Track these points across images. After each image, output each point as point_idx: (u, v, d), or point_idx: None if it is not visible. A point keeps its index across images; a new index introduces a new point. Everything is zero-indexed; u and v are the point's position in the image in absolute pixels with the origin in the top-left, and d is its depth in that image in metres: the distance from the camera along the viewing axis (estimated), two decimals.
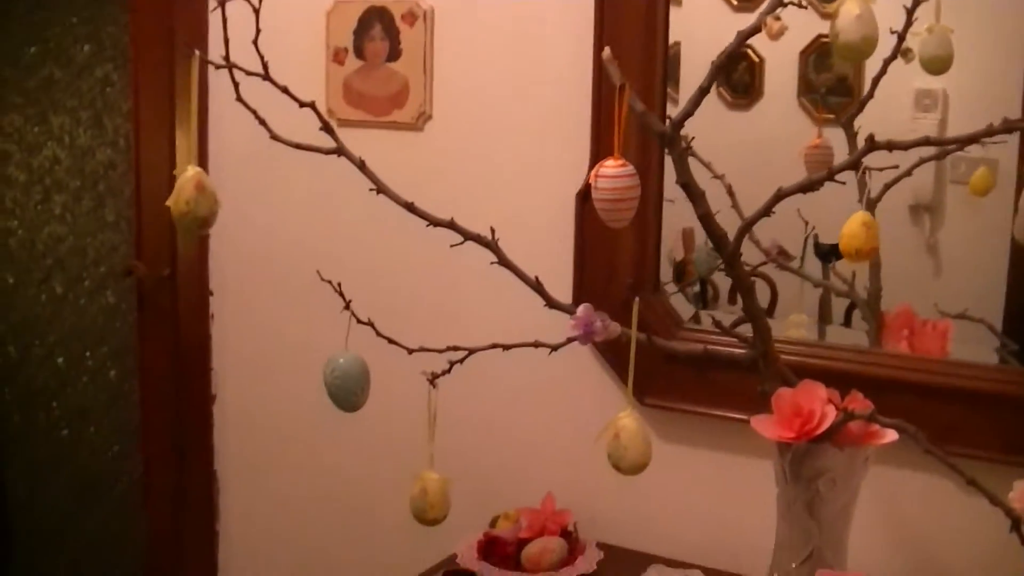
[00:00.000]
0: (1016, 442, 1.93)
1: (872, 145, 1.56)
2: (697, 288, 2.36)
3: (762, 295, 2.23)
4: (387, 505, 2.08)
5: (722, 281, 2.28)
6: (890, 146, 1.58)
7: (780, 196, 1.64)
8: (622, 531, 2.26)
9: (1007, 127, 1.53)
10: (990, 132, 1.54)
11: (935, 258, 2.21)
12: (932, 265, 2.22)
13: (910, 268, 2.21)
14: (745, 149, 2.28)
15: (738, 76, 2.30)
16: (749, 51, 2.28)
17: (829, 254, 2.22)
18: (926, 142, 1.56)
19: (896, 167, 1.99)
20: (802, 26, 1.63)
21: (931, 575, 2.09)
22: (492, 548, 2.14)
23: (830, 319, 2.28)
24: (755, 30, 1.56)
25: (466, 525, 2.12)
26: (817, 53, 2.22)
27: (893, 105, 2.09)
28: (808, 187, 1.61)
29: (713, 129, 2.25)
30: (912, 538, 2.10)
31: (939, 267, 2.21)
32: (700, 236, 2.01)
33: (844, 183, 1.67)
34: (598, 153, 2.13)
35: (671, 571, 2.14)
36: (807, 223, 2.18)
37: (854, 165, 1.60)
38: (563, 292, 2.14)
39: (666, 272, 2.28)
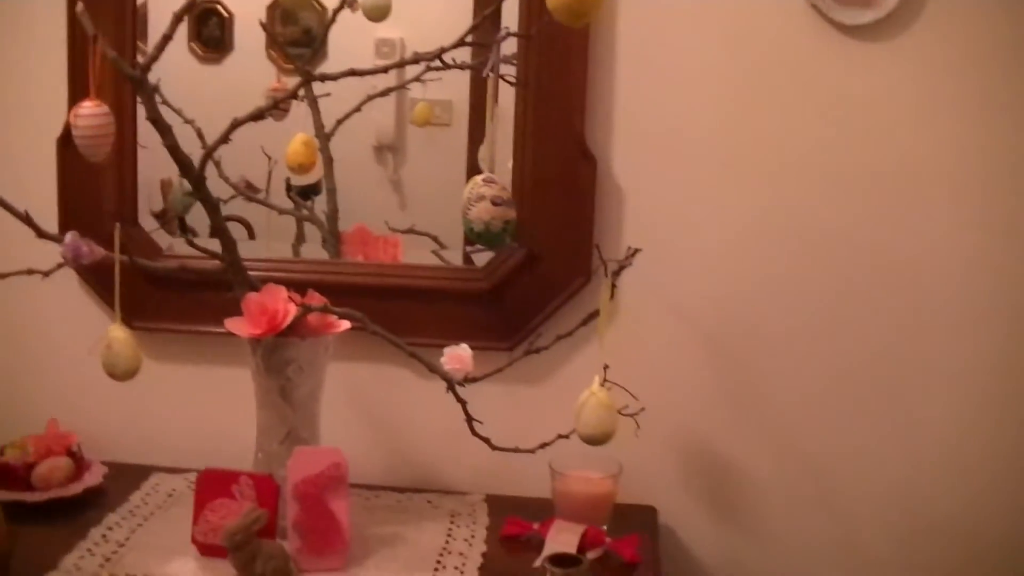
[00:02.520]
0: (454, 325, 2.23)
1: (307, 77, 1.83)
2: (179, 233, 2.44)
3: (242, 234, 2.44)
4: None
5: (199, 224, 2.36)
6: (323, 77, 1.84)
7: (235, 125, 1.86)
8: (125, 449, 2.37)
9: (415, 59, 1.83)
10: (401, 63, 1.85)
11: (399, 190, 2.46)
12: (397, 194, 2.46)
13: (378, 199, 2.45)
14: (219, 99, 2.37)
15: (209, 31, 2.43)
16: (219, 7, 2.41)
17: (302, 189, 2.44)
18: (351, 73, 1.81)
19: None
20: None
21: (394, 447, 2.37)
22: (3, 476, 2.18)
23: (304, 240, 2.47)
24: None
25: None
26: (283, 8, 2.37)
27: (357, 54, 2.28)
28: (258, 116, 1.83)
29: (188, 82, 2.40)
30: (378, 416, 2.37)
31: (404, 195, 2.46)
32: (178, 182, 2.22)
33: (284, 111, 1.93)
34: (74, 98, 2.20)
35: (171, 476, 2.31)
36: (270, 158, 2.37)
37: (293, 95, 1.86)
38: (53, 226, 2.22)
39: (151, 222, 2.41)
